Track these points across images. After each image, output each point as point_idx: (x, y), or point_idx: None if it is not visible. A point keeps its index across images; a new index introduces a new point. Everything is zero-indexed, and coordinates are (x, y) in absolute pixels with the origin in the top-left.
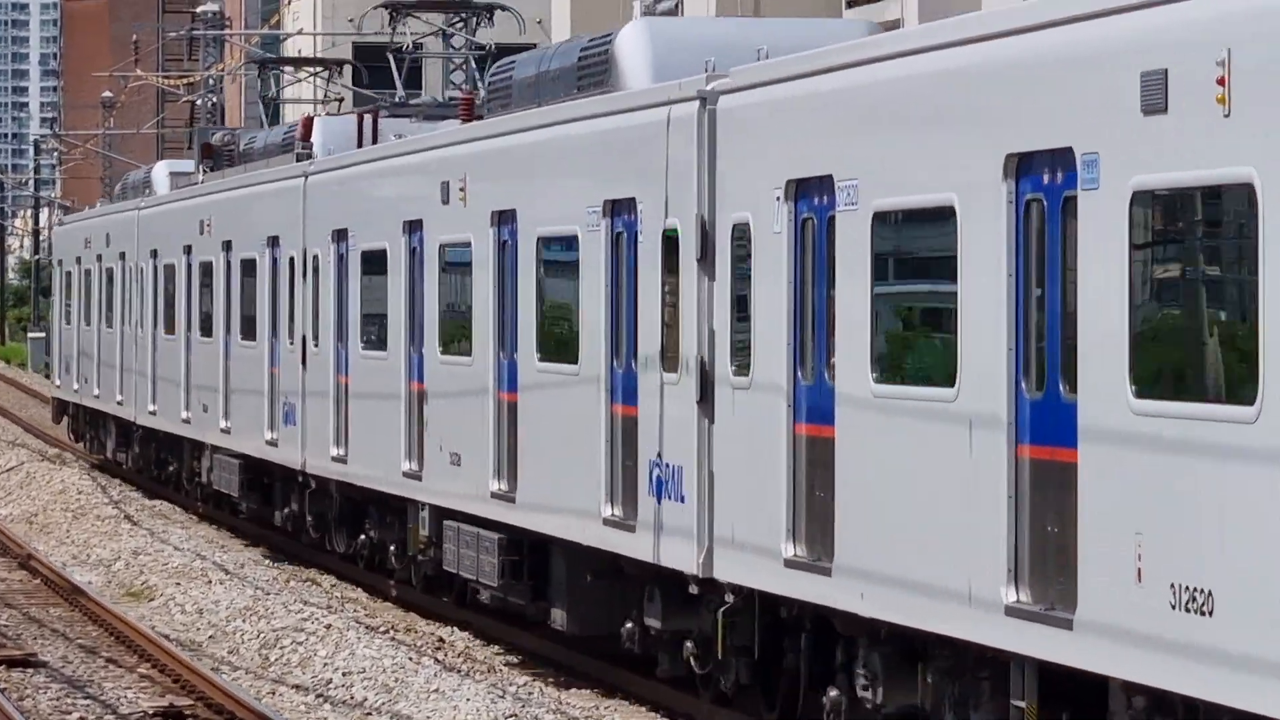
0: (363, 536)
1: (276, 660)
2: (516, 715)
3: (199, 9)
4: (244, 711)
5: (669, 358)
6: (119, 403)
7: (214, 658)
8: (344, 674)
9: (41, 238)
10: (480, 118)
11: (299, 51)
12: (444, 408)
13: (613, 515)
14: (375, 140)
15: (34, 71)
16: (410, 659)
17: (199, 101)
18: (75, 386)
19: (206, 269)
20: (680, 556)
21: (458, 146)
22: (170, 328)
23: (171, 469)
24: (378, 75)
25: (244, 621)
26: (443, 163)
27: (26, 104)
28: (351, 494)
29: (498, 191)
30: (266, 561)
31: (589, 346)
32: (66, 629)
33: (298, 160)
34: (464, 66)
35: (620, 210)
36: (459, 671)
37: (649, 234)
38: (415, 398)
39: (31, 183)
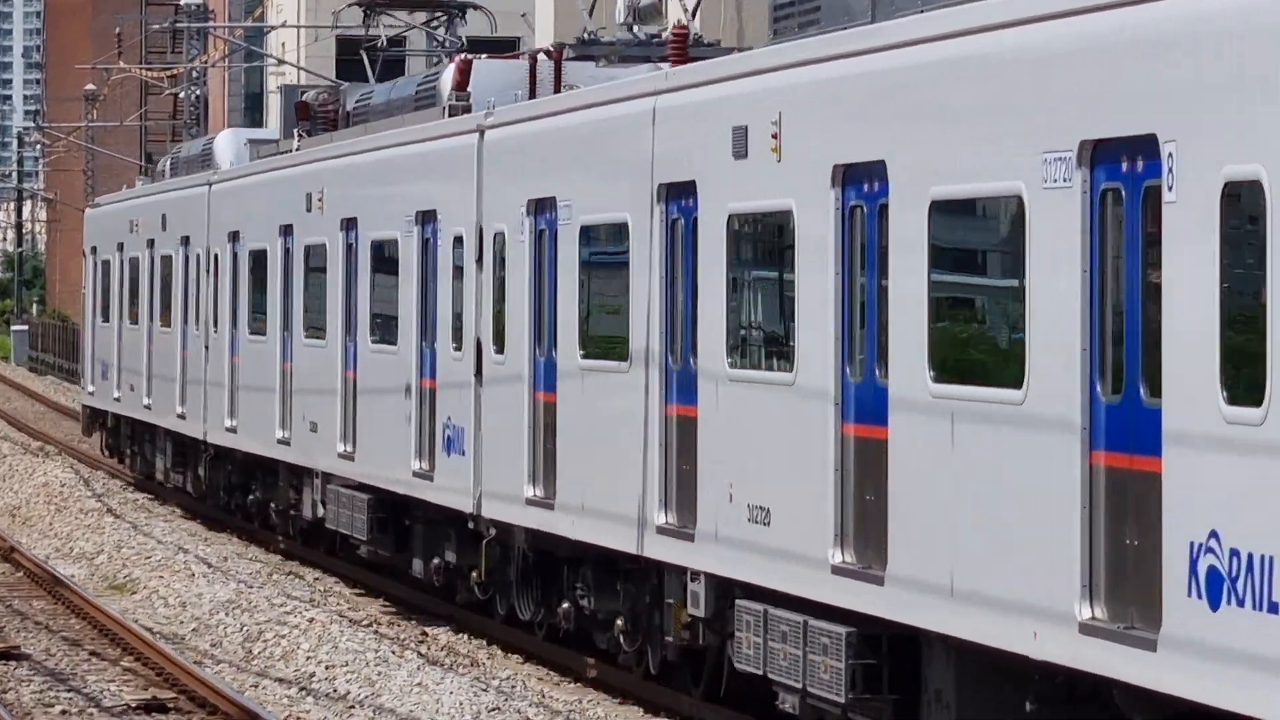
0: (565, 605)
1: (259, 653)
2: (499, 709)
3: (182, 1)
4: (227, 704)
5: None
6: (180, 416)
7: (197, 651)
8: (327, 667)
9: (25, 230)
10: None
11: (282, 45)
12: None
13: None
14: (558, 89)
15: (17, 64)
16: (393, 652)
17: (182, 94)
18: (116, 395)
19: (316, 254)
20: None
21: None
22: (259, 328)
23: (252, 497)
24: (360, 67)
25: (227, 615)
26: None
27: (9, 96)
28: (546, 545)
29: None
30: (250, 555)
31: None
32: (49, 622)
33: (450, 114)
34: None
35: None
36: (442, 665)
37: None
38: (672, 423)
39: (14, 175)
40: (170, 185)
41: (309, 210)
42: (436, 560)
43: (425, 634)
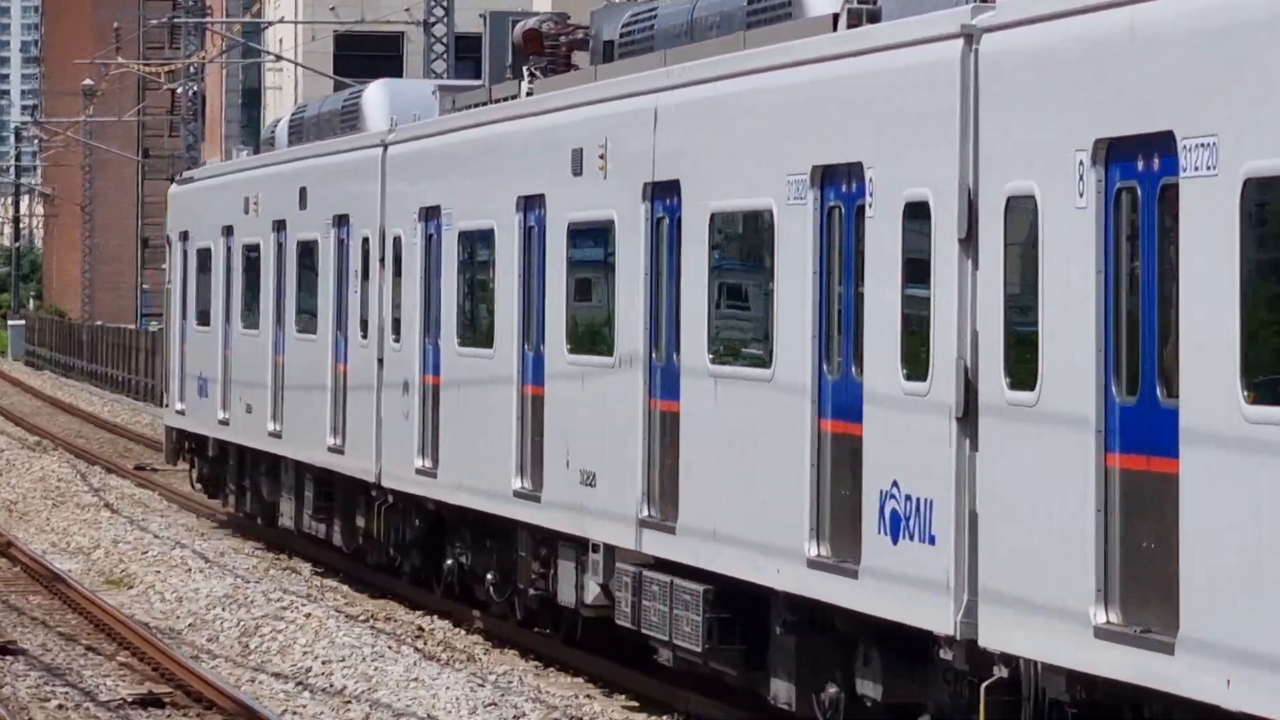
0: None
1: (256, 648)
2: (496, 704)
3: None
4: (223, 699)
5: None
6: (334, 450)
7: (193, 646)
8: (324, 662)
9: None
10: None
11: (280, 41)
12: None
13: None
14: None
15: (14, 59)
16: (390, 647)
17: (180, 90)
18: (222, 416)
19: (594, 236)
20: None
21: None
22: (480, 337)
23: (450, 562)
24: (358, 63)
25: (224, 609)
26: None
27: (7, 91)
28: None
29: None
30: (247, 550)
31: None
32: (46, 617)
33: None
34: (444, 56)
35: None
36: (438, 660)
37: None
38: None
39: (12, 170)
40: (305, 152)
41: (578, 174)
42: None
43: (421, 629)
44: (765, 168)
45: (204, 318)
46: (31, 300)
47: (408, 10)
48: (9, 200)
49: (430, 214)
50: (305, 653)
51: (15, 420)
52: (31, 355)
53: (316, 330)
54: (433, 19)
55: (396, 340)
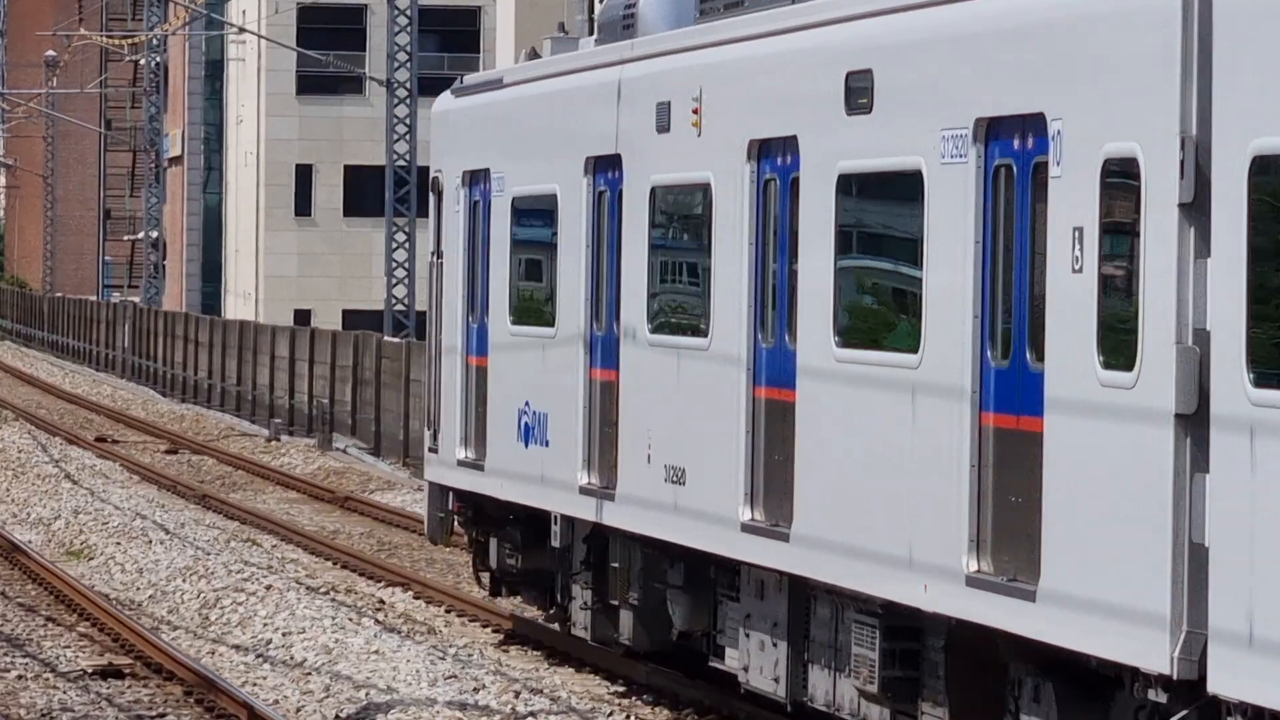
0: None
1: (216, 620)
2: (456, 676)
3: None
4: (183, 671)
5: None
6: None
7: (154, 617)
8: (284, 634)
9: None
10: None
11: (243, 13)
12: None
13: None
14: None
15: None
16: (350, 620)
17: (142, 61)
18: (585, 480)
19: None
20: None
21: None
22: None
23: None
24: (320, 36)
25: (184, 581)
26: None
27: None
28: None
29: None
30: (208, 522)
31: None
32: (5, 587)
33: None
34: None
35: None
36: (399, 633)
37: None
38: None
39: None
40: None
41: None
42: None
43: (382, 602)
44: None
45: (532, 313)
46: None
47: None
48: None
49: None
50: (265, 625)
51: None
52: None
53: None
54: None
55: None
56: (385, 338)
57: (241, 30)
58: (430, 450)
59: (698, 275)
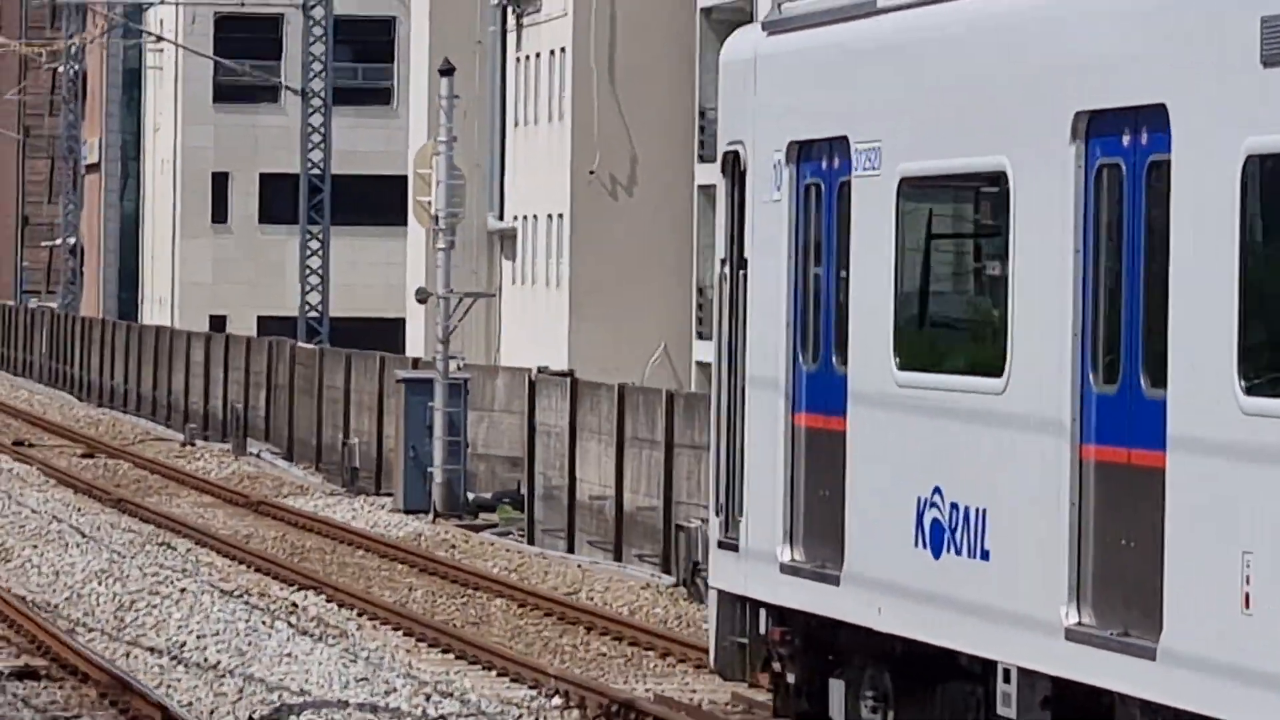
0: None
1: (131, 623)
2: (368, 679)
3: None
4: (98, 673)
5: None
6: None
7: (70, 619)
8: (198, 637)
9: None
10: None
11: (160, 22)
12: None
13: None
14: None
15: None
16: (264, 623)
17: (61, 69)
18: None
19: None
20: None
21: None
22: None
23: None
24: (237, 45)
25: (100, 584)
26: None
27: None
28: None
29: None
30: (124, 525)
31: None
32: None
33: None
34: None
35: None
36: (312, 635)
37: None
38: None
39: None
40: None
41: None
42: None
43: (295, 605)
44: None
45: (944, 354)
46: None
47: None
48: None
49: None
50: (180, 627)
51: None
52: None
53: None
54: (311, 2)
55: None
56: (299, 344)
57: (159, 39)
58: (723, 545)
59: None
